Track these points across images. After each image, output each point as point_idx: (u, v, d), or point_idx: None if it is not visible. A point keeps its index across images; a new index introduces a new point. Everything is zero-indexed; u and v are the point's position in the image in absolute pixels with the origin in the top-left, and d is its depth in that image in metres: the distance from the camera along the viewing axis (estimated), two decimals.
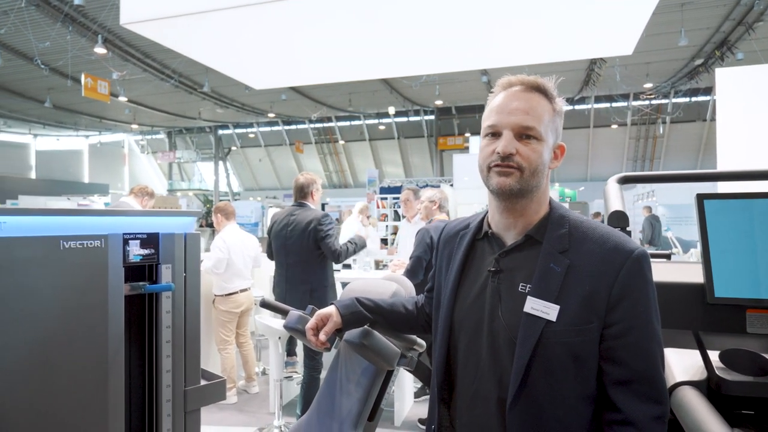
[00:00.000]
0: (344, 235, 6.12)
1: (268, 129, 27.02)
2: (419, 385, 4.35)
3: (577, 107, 21.19)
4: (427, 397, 4.26)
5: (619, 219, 1.37)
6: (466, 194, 12.60)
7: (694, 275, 1.27)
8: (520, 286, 1.03)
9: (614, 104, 21.28)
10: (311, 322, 1.30)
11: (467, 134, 22.77)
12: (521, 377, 0.98)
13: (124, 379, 1.38)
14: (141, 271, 1.47)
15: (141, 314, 1.49)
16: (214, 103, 20.63)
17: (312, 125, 25.89)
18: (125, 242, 1.39)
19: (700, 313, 1.23)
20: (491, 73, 16.32)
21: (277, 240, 3.59)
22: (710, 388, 1.05)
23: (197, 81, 17.52)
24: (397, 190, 14.92)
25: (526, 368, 0.98)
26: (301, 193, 3.61)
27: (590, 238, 1.03)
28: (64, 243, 1.26)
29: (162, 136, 28.58)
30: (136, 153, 30.12)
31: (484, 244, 1.14)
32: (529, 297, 1.01)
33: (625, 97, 20.64)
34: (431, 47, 4.86)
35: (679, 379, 1.07)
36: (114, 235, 1.35)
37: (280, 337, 3.26)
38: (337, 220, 10.46)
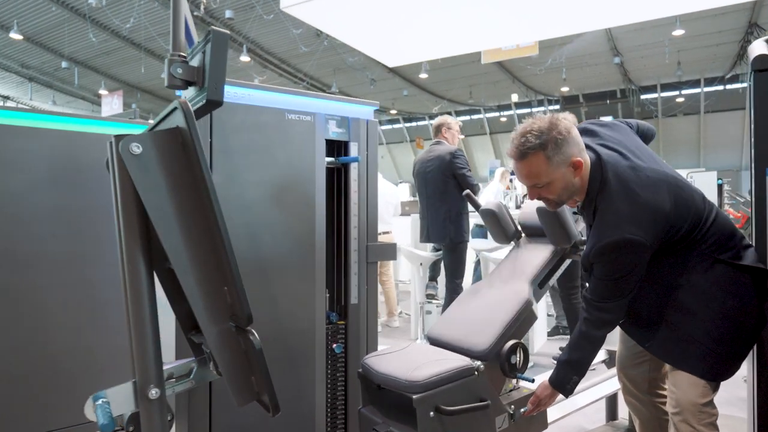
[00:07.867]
0: (485, 198, 6.36)
1: (389, 127, 27.95)
2: (551, 326, 4.51)
3: (728, 87, 19.10)
4: (560, 336, 4.39)
5: None
6: None
7: None
8: None
9: None
10: None
11: None
12: None
13: (325, 225, 1.80)
14: (336, 147, 1.89)
15: (334, 182, 1.91)
16: None
17: (432, 121, 26.30)
18: (326, 121, 1.81)
19: None
20: (623, 54, 15.55)
21: (419, 177, 4.01)
22: None
23: (326, 82, 18.81)
24: None
25: None
26: (437, 131, 4.06)
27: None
28: (288, 114, 1.71)
29: None
30: None
31: None
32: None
33: None
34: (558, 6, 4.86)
35: None
36: (320, 114, 1.78)
37: (421, 263, 3.62)
38: None
